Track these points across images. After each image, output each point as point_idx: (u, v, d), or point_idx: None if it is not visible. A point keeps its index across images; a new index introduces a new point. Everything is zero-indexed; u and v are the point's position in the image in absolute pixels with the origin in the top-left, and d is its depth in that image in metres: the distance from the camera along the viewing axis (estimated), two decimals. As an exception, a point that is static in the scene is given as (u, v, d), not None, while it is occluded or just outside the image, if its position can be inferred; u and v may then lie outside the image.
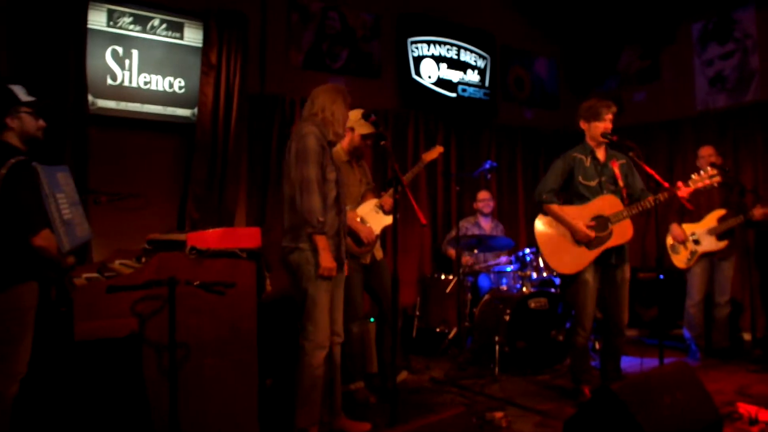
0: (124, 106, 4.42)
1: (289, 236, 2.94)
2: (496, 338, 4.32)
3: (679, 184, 3.45)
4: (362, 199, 3.68)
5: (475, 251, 5.15)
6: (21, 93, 2.49)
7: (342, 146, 3.66)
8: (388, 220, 3.67)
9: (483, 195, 5.59)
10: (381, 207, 3.67)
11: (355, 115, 3.60)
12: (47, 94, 3.89)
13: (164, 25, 4.58)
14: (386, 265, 3.85)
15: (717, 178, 3.45)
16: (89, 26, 4.20)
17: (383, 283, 3.75)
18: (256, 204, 5.03)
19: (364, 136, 3.62)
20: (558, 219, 3.61)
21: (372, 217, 3.64)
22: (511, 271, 4.97)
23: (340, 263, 3.01)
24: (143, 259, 2.78)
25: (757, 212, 4.45)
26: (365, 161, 3.95)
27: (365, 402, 3.59)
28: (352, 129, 3.59)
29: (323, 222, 2.82)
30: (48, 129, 2.60)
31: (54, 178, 2.51)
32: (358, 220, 3.58)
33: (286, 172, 2.98)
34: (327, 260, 2.81)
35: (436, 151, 4.00)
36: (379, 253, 3.78)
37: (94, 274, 2.75)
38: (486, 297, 4.76)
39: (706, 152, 4.76)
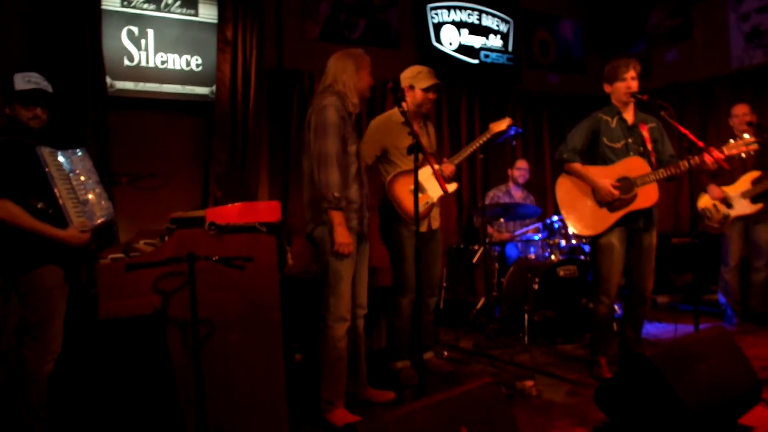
0: (142, 86, 4.41)
1: (310, 211, 2.91)
2: (525, 307, 4.26)
3: (712, 150, 3.24)
4: (423, 164, 3.49)
5: (502, 220, 5.04)
6: (20, 82, 2.49)
7: (407, 107, 3.39)
8: (450, 187, 3.46)
9: (521, 164, 5.43)
10: (441, 173, 3.49)
11: (411, 71, 3.48)
12: (65, 79, 3.90)
13: (178, 3, 4.53)
14: (440, 236, 3.68)
15: (754, 146, 3.26)
16: (103, 7, 4.18)
17: (433, 256, 3.59)
18: (278, 180, 5.01)
19: (425, 89, 3.43)
20: (580, 177, 3.46)
21: (430, 183, 3.42)
22: (539, 239, 4.88)
23: (363, 237, 2.97)
24: (166, 238, 2.78)
25: None
26: (431, 125, 3.74)
27: (409, 383, 3.45)
28: (411, 87, 3.44)
29: (339, 198, 2.76)
30: (67, 113, 2.62)
31: (69, 161, 2.52)
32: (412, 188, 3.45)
33: (305, 146, 2.91)
34: (343, 236, 2.77)
35: (504, 122, 3.73)
36: (435, 222, 3.59)
37: (120, 255, 2.76)
38: (514, 266, 4.68)
39: (741, 111, 4.55)
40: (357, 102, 2.93)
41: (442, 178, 3.37)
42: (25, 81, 2.51)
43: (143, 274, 2.27)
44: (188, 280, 2.19)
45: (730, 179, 4.52)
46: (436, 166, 3.43)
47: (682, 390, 2.24)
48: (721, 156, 3.21)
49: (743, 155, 3.32)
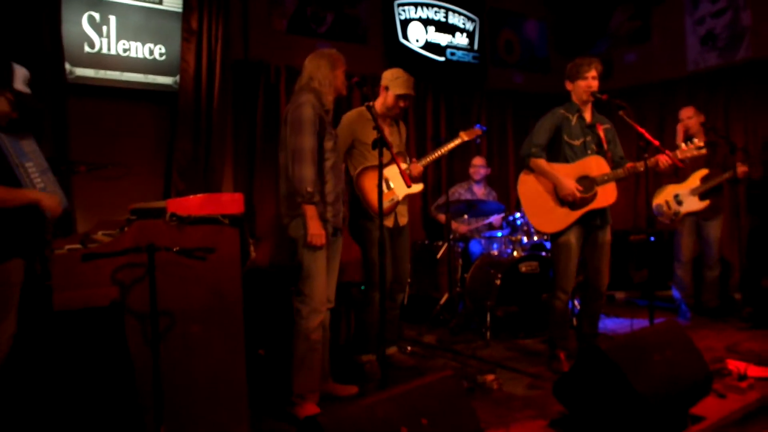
0: (103, 74, 4.30)
1: (285, 204, 2.95)
2: (488, 303, 4.32)
3: (667, 151, 3.35)
4: (391, 162, 3.48)
5: (465, 216, 5.11)
6: (19, 81, 2.43)
7: (375, 105, 3.46)
8: (415, 187, 3.54)
9: (477, 161, 5.51)
10: (408, 172, 3.53)
11: (391, 74, 3.52)
12: (22, 63, 3.76)
13: (142, -11, 4.42)
14: (408, 232, 3.71)
15: (703, 152, 3.39)
16: (63, -9, 4.05)
17: (401, 251, 3.63)
18: (243, 173, 4.95)
19: (398, 96, 3.49)
20: (545, 174, 3.51)
21: (398, 180, 3.47)
22: (502, 236, 4.95)
23: (337, 231, 3.02)
24: (126, 229, 2.72)
25: (740, 170, 4.41)
26: (402, 123, 3.80)
27: (373, 376, 3.48)
28: (387, 88, 3.50)
29: (312, 192, 2.81)
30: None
31: (19, 148, 2.43)
32: (384, 181, 3.45)
33: (282, 141, 2.96)
34: (315, 227, 2.83)
35: (475, 132, 3.83)
36: (402, 219, 3.62)
37: (77, 246, 2.69)
38: (477, 262, 4.74)
39: (686, 114, 4.72)
40: (332, 99, 2.99)
41: (408, 176, 3.42)
42: (23, 83, 2.44)
43: (101, 265, 2.22)
44: (148, 272, 2.15)
45: (683, 176, 4.67)
46: (404, 165, 3.48)
47: (636, 381, 2.32)
48: (675, 159, 3.32)
49: (692, 157, 3.44)
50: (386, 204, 3.41)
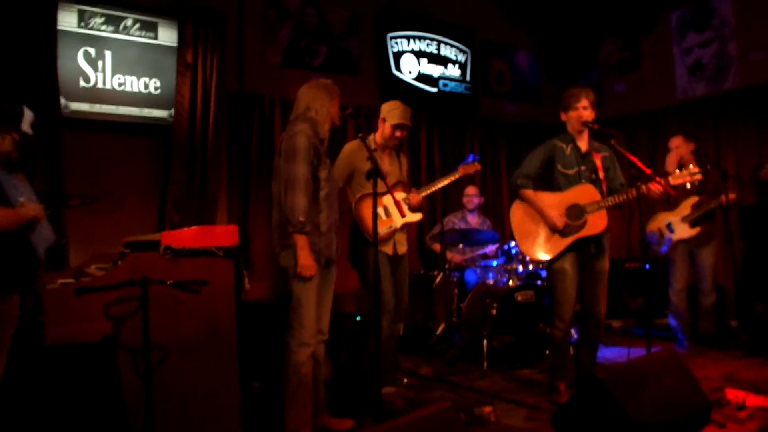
0: (98, 108, 4.33)
1: (277, 234, 2.92)
2: (484, 333, 4.29)
3: (658, 178, 3.38)
4: (391, 191, 3.45)
5: (461, 246, 5.11)
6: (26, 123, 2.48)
7: (375, 138, 3.61)
8: (414, 217, 3.58)
9: (470, 190, 5.54)
10: (407, 202, 3.59)
11: (389, 105, 3.59)
12: (17, 97, 3.80)
13: (137, 25, 4.49)
14: (407, 261, 3.70)
15: (698, 176, 3.41)
16: (59, 27, 4.12)
17: (400, 280, 3.60)
18: (238, 205, 4.96)
19: (394, 127, 3.55)
20: (531, 204, 3.57)
21: (396, 210, 3.51)
22: (497, 264, 4.94)
23: (330, 262, 2.99)
24: (119, 263, 2.71)
25: (730, 196, 4.44)
26: (404, 155, 3.87)
27: (391, 407, 3.36)
28: (384, 120, 3.56)
29: (304, 222, 2.78)
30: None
31: (13, 183, 2.45)
32: (381, 209, 3.48)
33: (275, 171, 2.95)
34: (306, 258, 2.78)
35: (473, 167, 3.91)
36: (402, 247, 3.62)
37: (70, 280, 2.67)
38: (472, 291, 4.72)
39: (674, 143, 4.76)
40: (328, 128, 3.01)
41: (402, 206, 3.44)
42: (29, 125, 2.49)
43: (94, 299, 2.20)
44: (141, 305, 2.13)
45: (674, 204, 4.70)
46: (402, 195, 3.54)
47: (633, 411, 2.28)
48: (667, 186, 3.34)
49: (688, 185, 3.46)
50: (384, 231, 3.43)
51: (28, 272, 2.43)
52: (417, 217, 3.63)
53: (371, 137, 3.62)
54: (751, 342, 4.42)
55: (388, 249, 3.53)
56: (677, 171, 3.43)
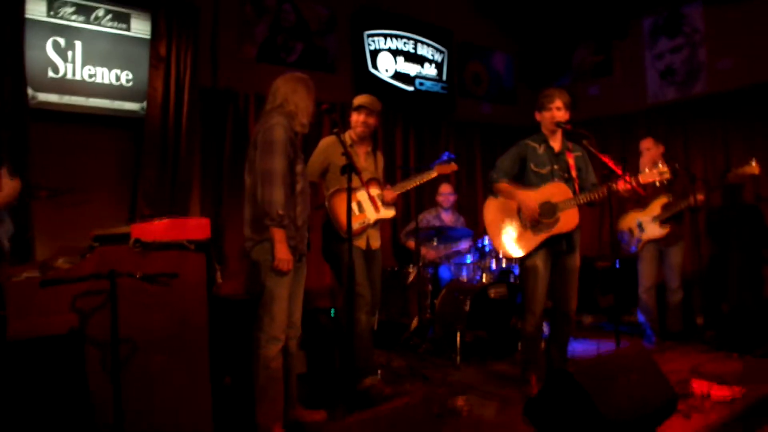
0: (67, 99, 4.24)
1: (250, 228, 2.88)
2: (457, 328, 4.31)
3: (627, 177, 3.44)
4: (366, 185, 3.51)
5: (435, 242, 5.14)
6: None
7: (350, 134, 3.63)
8: (387, 213, 3.60)
9: (444, 189, 5.57)
10: (381, 198, 3.60)
11: (355, 98, 3.65)
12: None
13: (109, 16, 4.41)
14: (380, 256, 3.73)
15: (666, 175, 3.49)
16: (27, 16, 4.01)
17: (373, 274, 3.62)
18: (210, 200, 4.91)
19: (356, 108, 3.59)
20: (509, 195, 3.58)
21: (369, 205, 3.54)
22: (471, 261, 4.98)
23: (301, 255, 2.96)
24: (88, 256, 2.66)
25: (697, 198, 4.56)
26: (380, 152, 3.92)
27: (379, 396, 3.35)
28: (352, 111, 3.62)
29: (283, 216, 2.75)
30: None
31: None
32: (355, 204, 3.46)
33: (249, 163, 2.90)
34: (283, 252, 2.76)
35: (449, 167, 3.95)
36: (375, 242, 3.65)
37: (35, 273, 2.61)
38: (446, 288, 4.75)
39: (645, 145, 4.86)
40: (306, 123, 2.97)
41: (377, 201, 3.45)
42: None
43: (60, 292, 2.16)
44: (109, 298, 2.09)
45: (644, 204, 4.80)
46: (377, 191, 3.55)
47: (602, 403, 2.33)
48: (637, 185, 3.41)
49: (657, 183, 3.54)
50: (356, 226, 3.44)
51: None
52: (390, 213, 3.64)
53: (346, 134, 3.62)
54: (716, 338, 4.53)
55: (361, 243, 3.54)
56: (646, 169, 3.50)
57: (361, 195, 3.52)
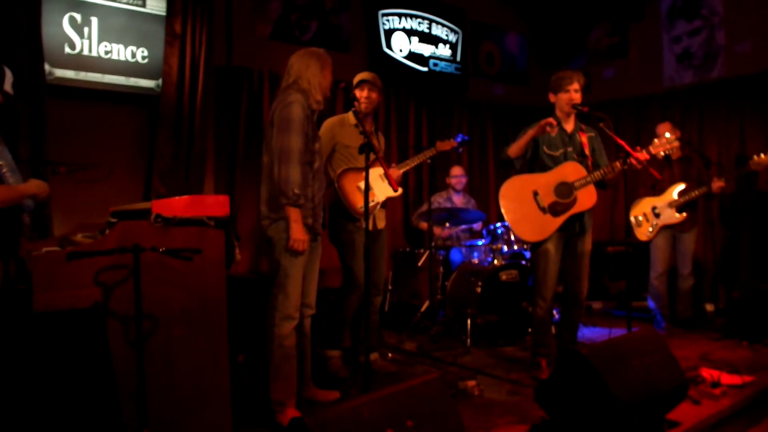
0: (83, 76, 4.25)
1: (266, 206, 2.87)
2: (468, 311, 4.35)
3: (639, 149, 3.43)
4: (372, 165, 3.55)
5: (447, 224, 5.15)
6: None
7: (359, 107, 3.55)
8: (395, 192, 3.61)
9: (456, 171, 5.57)
10: (387, 177, 3.61)
11: (358, 76, 3.64)
12: None
13: (125, -8, 4.40)
14: (385, 236, 3.77)
15: (676, 144, 3.48)
16: (44, -9, 4.01)
17: (378, 255, 3.67)
18: (224, 178, 4.93)
19: (357, 84, 3.60)
20: (520, 143, 3.50)
21: (377, 184, 3.54)
22: (483, 244, 4.99)
23: (316, 235, 2.96)
24: (107, 232, 2.69)
25: (715, 185, 4.54)
26: (380, 132, 3.94)
27: (336, 373, 3.56)
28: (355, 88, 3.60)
29: (298, 195, 2.75)
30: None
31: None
32: (362, 184, 3.47)
33: (266, 141, 2.88)
34: (299, 232, 2.76)
35: (449, 144, 4.04)
36: (381, 222, 3.69)
37: (55, 248, 2.64)
38: (457, 270, 4.77)
39: (662, 129, 4.81)
40: (321, 99, 2.93)
41: (392, 178, 3.45)
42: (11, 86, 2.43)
43: (83, 266, 2.19)
44: (132, 273, 2.12)
45: (660, 190, 4.79)
46: (381, 171, 3.53)
47: (615, 385, 2.36)
48: (647, 156, 3.39)
49: (666, 152, 3.52)
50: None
51: (10, 240, 2.40)
52: (398, 192, 3.66)
53: (350, 112, 3.60)
54: (727, 325, 4.54)
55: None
56: (655, 140, 3.50)
57: (371, 174, 3.50)
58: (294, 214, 2.75)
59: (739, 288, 5.26)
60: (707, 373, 3.26)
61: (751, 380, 3.25)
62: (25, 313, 2.20)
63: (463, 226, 5.37)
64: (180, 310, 2.39)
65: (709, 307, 5.41)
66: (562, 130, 3.61)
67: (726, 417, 2.91)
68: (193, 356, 2.41)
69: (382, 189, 3.58)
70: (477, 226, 5.30)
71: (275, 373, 2.84)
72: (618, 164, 3.40)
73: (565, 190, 3.49)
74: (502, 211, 3.65)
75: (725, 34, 5.89)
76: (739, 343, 4.21)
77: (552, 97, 3.65)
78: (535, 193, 3.55)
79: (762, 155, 4.42)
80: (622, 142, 3.38)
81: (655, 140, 3.49)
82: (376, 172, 3.55)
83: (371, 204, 3.51)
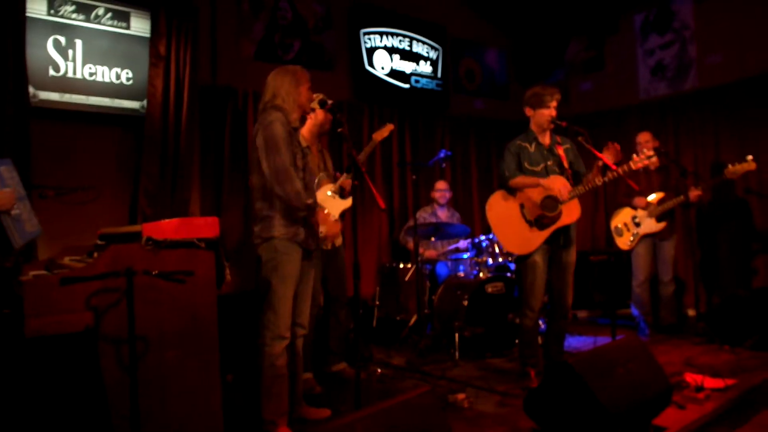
0: (68, 98, 4.25)
1: (259, 226, 2.89)
2: (456, 324, 4.39)
3: (615, 168, 3.53)
4: (318, 186, 3.62)
5: (432, 239, 5.21)
6: None
7: (303, 132, 3.48)
8: (347, 203, 3.68)
9: (440, 185, 5.64)
10: (340, 189, 3.68)
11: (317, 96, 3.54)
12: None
13: (109, 14, 4.42)
14: (343, 253, 3.88)
15: (654, 159, 3.61)
16: (28, 14, 4.01)
17: (337, 271, 3.76)
18: (210, 198, 4.94)
19: (321, 103, 3.33)
20: (528, 184, 3.62)
21: (330, 202, 3.63)
22: (468, 257, 5.06)
23: (310, 253, 2.98)
24: (95, 255, 2.69)
25: (692, 194, 4.67)
26: (326, 150, 3.96)
27: (310, 391, 3.52)
28: (313, 109, 3.41)
29: (311, 202, 2.86)
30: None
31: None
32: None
33: (254, 163, 2.89)
34: (329, 226, 3.18)
35: (386, 130, 3.98)
36: (338, 240, 3.77)
37: (42, 271, 2.64)
38: (444, 284, 4.82)
39: (643, 138, 4.96)
40: (297, 117, 2.93)
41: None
42: None
43: (75, 290, 2.20)
44: (125, 296, 2.14)
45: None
46: (332, 186, 3.71)
47: (601, 393, 2.41)
48: (626, 168, 3.51)
49: (647, 165, 3.64)
50: (323, 230, 3.26)
51: None
52: (348, 202, 3.72)
53: (300, 132, 3.55)
54: (708, 330, 4.64)
55: (327, 245, 3.65)
56: (634, 156, 3.62)
57: (319, 195, 3.44)
58: (315, 218, 2.91)
59: (719, 293, 5.39)
60: (691, 378, 3.33)
61: (733, 383, 3.33)
62: (17, 338, 2.20)
63: (450, 247, 5.43)
64: (172, 332, 2.40)
65: (691, 313, 5.52)
66: (539, 144, 3.71)
67: (710, 420, 2.98)
68: (185, 377, 2.42)
69: (335, 205, 3.68)
70: (463, 245, 5.34)
71: (267, 393, 2.85)
72: (599, 179, 3.49)
73: (551, 203, 3.58)
74: (490, 223, 3.74)
75: (697, 46, 6.07)
76: (720, 347, 4.30)
77: (529, 112, 3.73)
78: (522, 206, 3.64)
79: (736, 164, 4.56)
80: (602, 156, 3.48)
81: (635, 156, 3.61)
82: (324, 191, 3.67)
83: (335, 222, 3.59)
